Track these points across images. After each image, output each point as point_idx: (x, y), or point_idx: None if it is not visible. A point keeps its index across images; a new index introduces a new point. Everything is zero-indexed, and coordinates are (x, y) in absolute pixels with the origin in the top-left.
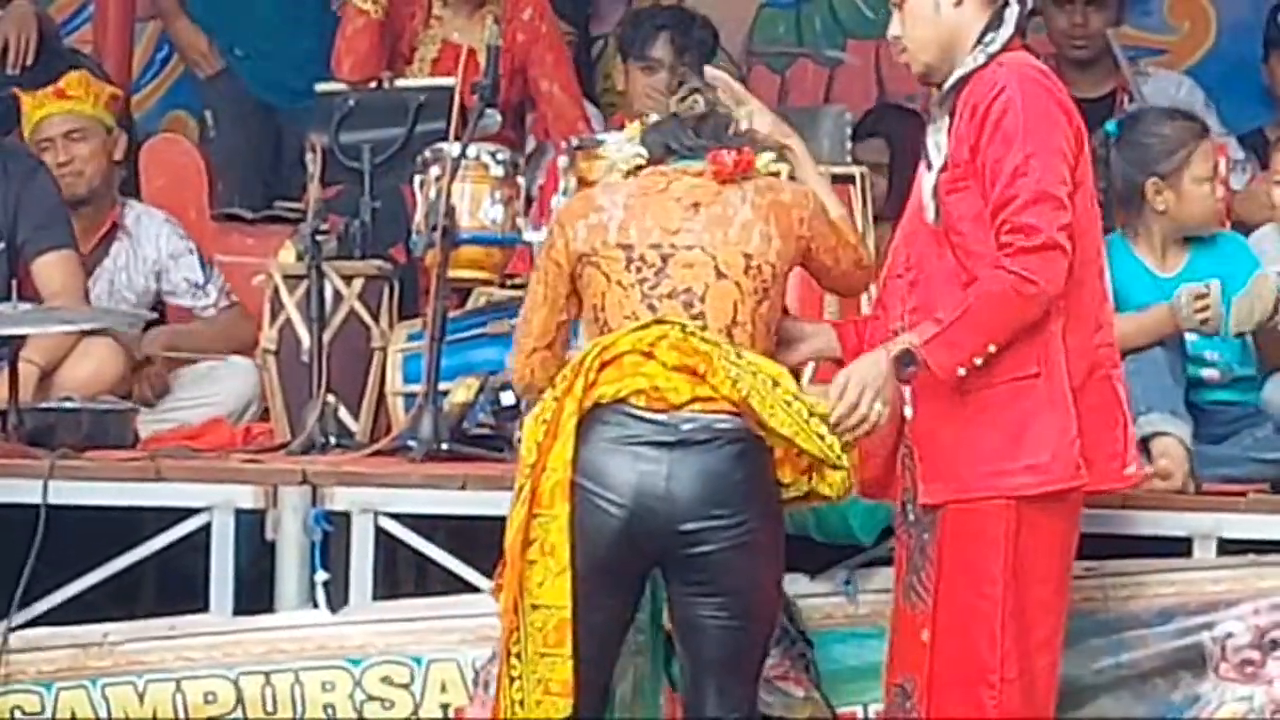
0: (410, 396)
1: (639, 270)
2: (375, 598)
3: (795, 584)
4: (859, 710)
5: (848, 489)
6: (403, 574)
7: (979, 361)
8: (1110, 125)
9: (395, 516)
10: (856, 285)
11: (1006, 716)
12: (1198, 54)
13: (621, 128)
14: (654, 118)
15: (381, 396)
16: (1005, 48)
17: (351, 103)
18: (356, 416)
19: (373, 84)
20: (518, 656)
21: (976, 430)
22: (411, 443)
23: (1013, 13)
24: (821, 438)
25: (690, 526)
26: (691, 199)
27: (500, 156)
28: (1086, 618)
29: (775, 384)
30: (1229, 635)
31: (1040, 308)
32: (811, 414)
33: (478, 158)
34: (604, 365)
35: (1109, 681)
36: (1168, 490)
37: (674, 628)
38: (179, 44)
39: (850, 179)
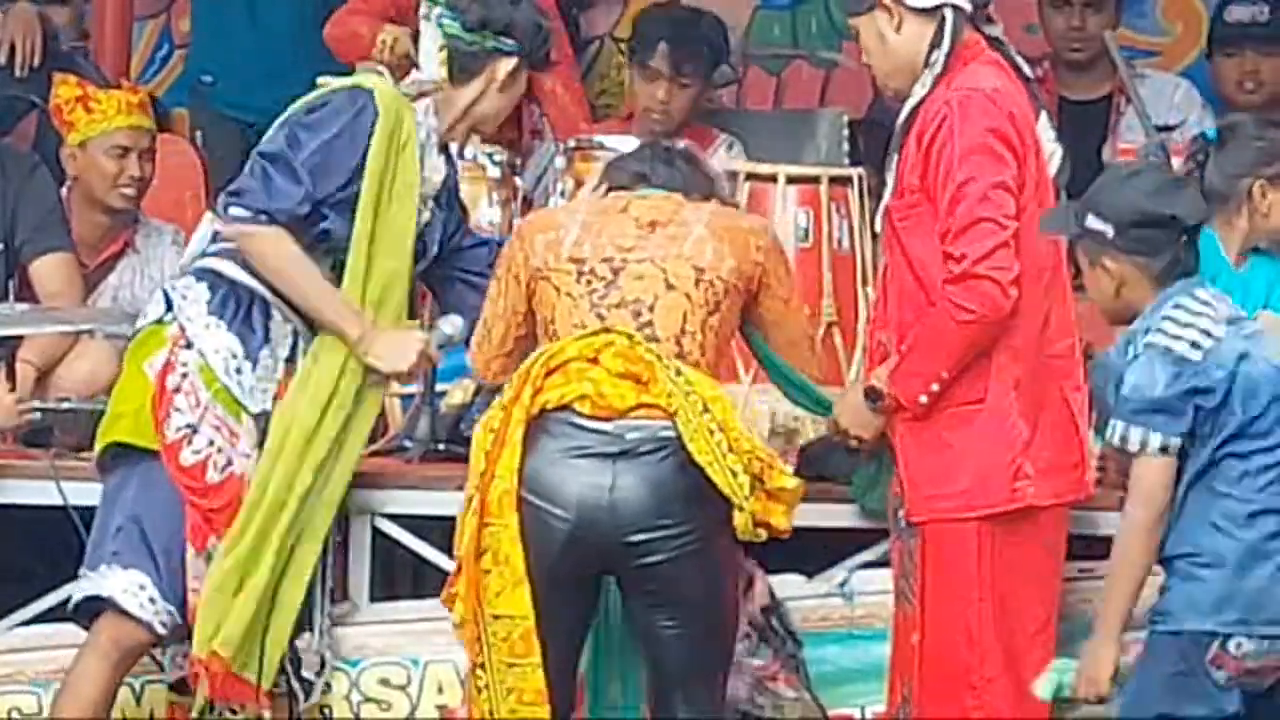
0: (407, 398)
1: (589, 283)
2: (372, 599)
3: (792, 585)
4: (856, 712)
5: (745, 530)
6: (399, 575)
7: (936, 388)
8: (1210, 131)
9: (392, 517)
10: (808, 366)
11: (991, 716)
12: (1191, 55)
13: (629, 118)
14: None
15: None
16: (949, 64)
17: None
18: None
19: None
20: (482, 667)
21: (929, 455)
22: (408, 444)
23: (950, 25)
24: (734, 474)
25: (637, 538)
26: (649, 218)
27: (497, 157)
28: (1083, 620)
29: (706, 409)
30: None
31: (984, 332)
32: (731, 449)
33: (475, 159)
34: (550, 372)
35: None
36: None
37: (635, 638)
38: None
39: (848, 181)
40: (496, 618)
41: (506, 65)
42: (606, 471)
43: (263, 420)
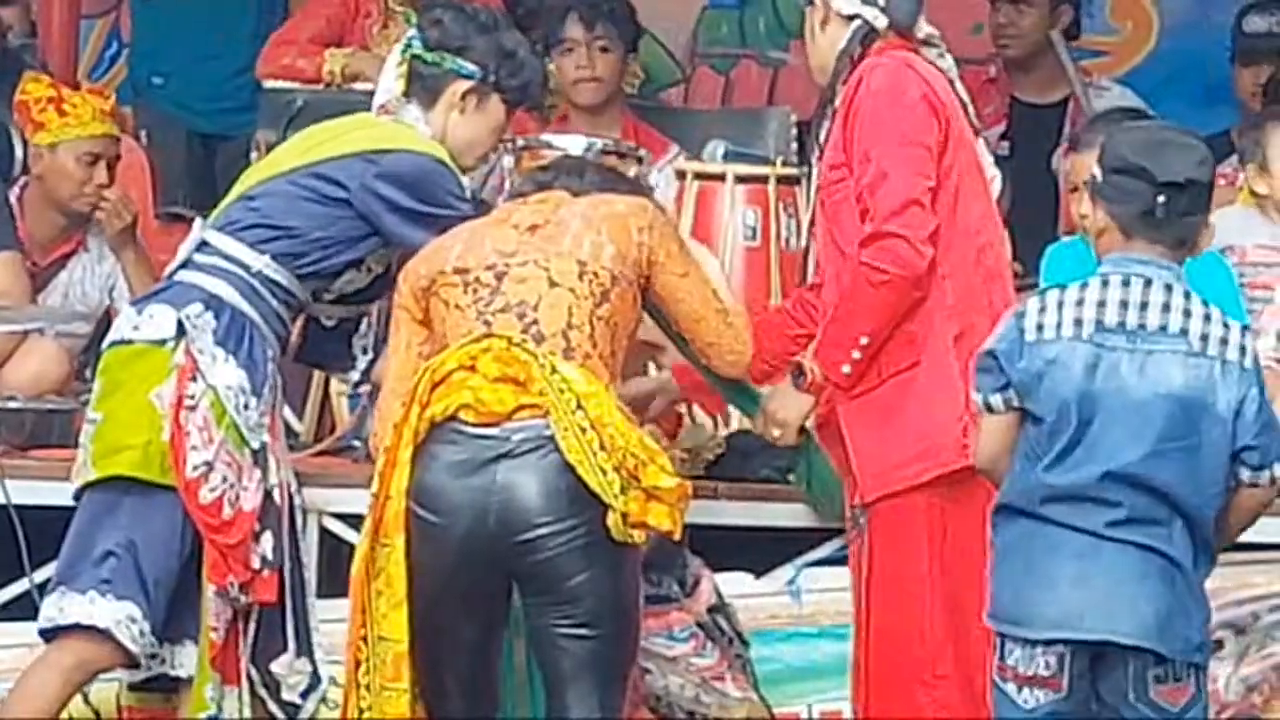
0: (354, 396)
1: (475, 291)
2: (319, 597)
3: (740, 583)
4: (803, 710)
5: (617, 530)
6: (347, 574)
7: (857, 355)
8: None
9: (339, 516)
10: (725, 351)
11: (945, 713)
12: (1139, 55)
13: (564, 118)
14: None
15: (326, 396)
16: (854, 55)
17: (300, 103)
18: (301, 416)
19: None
20: (367, 688)
21: (874, 429)
22: (355, 443)
23: (860, 35)
24: (604, 472)
25: (526, 535)
26: (529, 222)
27: None
28: None
29: (579, 406)
30: None
31: (898, 293)
32: (603, 447)
33: None
34: (435, 386)
35: None
36: None
37: (532, 643)
38: None
39: (796, 180)
40: (381, 639)
41: (460, 88)
42: (490, 474)
43: (262, 454)
